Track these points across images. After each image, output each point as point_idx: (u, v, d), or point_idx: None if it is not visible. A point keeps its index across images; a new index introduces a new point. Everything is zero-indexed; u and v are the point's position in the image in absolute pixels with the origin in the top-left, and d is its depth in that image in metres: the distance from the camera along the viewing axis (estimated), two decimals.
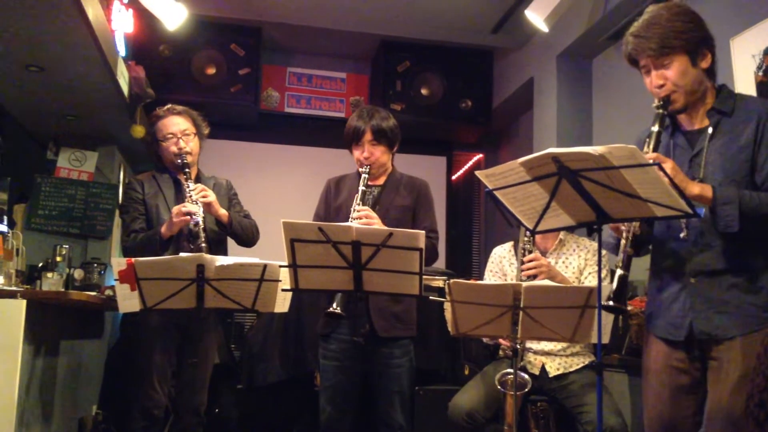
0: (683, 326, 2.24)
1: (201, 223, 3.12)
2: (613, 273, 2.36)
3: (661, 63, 2.22)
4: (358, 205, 2.94)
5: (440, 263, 5.84)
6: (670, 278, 2.30)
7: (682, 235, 2.25)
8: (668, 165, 2.08)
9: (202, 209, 3.15)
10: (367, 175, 3.03)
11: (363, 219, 2.88)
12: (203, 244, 3.06)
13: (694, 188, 2.11)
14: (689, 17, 2.24)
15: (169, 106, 3.41)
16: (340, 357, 2.99)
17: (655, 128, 2.20)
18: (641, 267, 3.12)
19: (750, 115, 2.21)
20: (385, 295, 2.87)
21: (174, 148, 3.29)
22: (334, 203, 3.16)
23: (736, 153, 2.19)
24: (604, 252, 2.26)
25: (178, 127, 3.33)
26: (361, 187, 2.99)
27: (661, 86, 2.23)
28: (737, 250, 2.18)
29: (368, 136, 3.06)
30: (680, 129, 2.34)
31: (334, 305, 2.67)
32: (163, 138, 3.33)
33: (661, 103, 2.22)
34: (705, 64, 2.25)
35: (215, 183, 3.45)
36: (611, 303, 2.14)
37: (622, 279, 2.15)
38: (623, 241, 2.19)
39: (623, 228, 2.21)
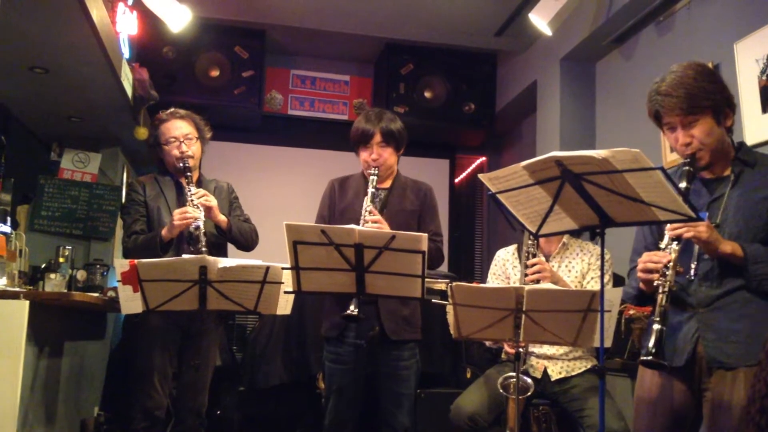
0: (684, 351, 2.24)
1: (202, 227, 3.12)
2: (616, 278, 2.36)
3: (687, 122, 2.25)
4: (369, 207, 2.95)
5: (443, 266, 5.81)
6: (676, 309, 2.29)
7: (687, 276, 2.25)
8: (704, 224, 2.14)
9: (203, 213, 3.16)
10: (375, 177, 3.03)
11: (377, 223, 2.89)
12: (204, 248, 3.06)
13: (726, 246, 2.15)
14: (715, 78, 2.30)
15: (172, 110, 3.43)
16: (347, 360, 2.99)
17: (683, 185, 2.21)
18: None
19: None
20: (389, 298, 2.87)
21: (176, 152, 3.30)
22: (339, 205, 3.16)
23: (757, 202, 2.23)
24: (607, 256, 2.26)
25: (181, 131, 3.34)
26: (371, 189, 3.00)
27: (688, 144, 2.26)
28: (746, 285, 2.20)
29: (377, 138, 3.07)
30: (698, 177, 2.35)
31: (351, 308, 2.66)
32: (165, 141, 3.34)
33: (689, 160, 2.25)
34: (728, 123, 2.30)
35: (216, 186, 3.46)
36: (650, 358, 2.11)
37: (660, 333, 2.13)
38: (660, 296, 2.17)
39: (657, 281, 2.19)
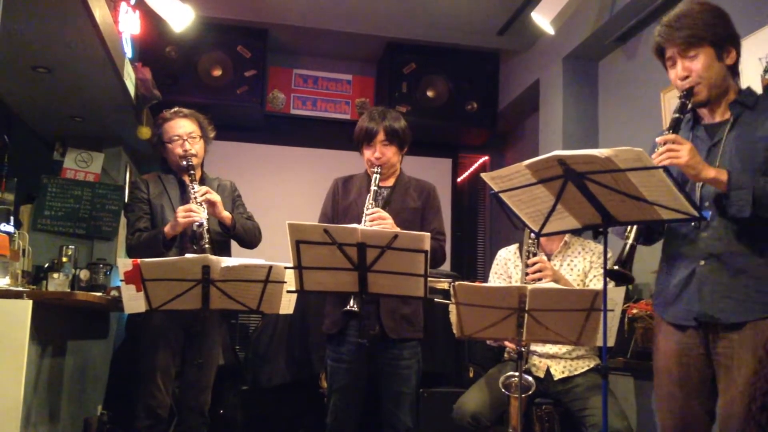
0: (693, 311, 2.23)
1: (205, 224, 3.13)
2: (616, 263, 2.35)
3: (687, 54, 2.26)
4: (371, 205, 2.95)
5: (445, 265, 5.82)
6: (680, 263, 2.30)
7: (692, 224, 2.25)
8: (686, 146, 2.11)
9: (206, 211, 3.17)
10: (378, 176, 3.04)
11: (377, 220, 2.89)
12: (207, 245, 3.07)
13: (710, 172, 2.13)
14: (719, 13, 2.29)
15: (175, 109, 3.44)
16: (348, 358, 2.99)
17: (676, 114, 2.22)
18: (646, 269, 3.12)
19: None
20: (391, 297, 2.87)
21: (179, 150, 3.32)
22: (342, 203, 3.17)
23: (754, 142, 2.20)
24: (609, 254, 2.26)
25: (184, 130, 3.35)
26: (374, 187, 3.00)
27: (686, 78, 2.26)
28: (747, 236, 2.18)
29: (381, 136, 3.07)
30: (701, 122, 2.36)
31: (351, 303, 2.66)
32: (169, 140, 3.35)
33: (685, 93, 2.26)
34: (730, 60, 2.28)
35: (219, 184, 3.47)
36: (616, 267, 2.15)
37: (631, 248, 2.17)
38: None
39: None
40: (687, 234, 2.29)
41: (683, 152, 2.11)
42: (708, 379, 2.25)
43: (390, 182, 3.18)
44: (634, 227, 2.22)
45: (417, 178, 3.26)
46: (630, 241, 2.19)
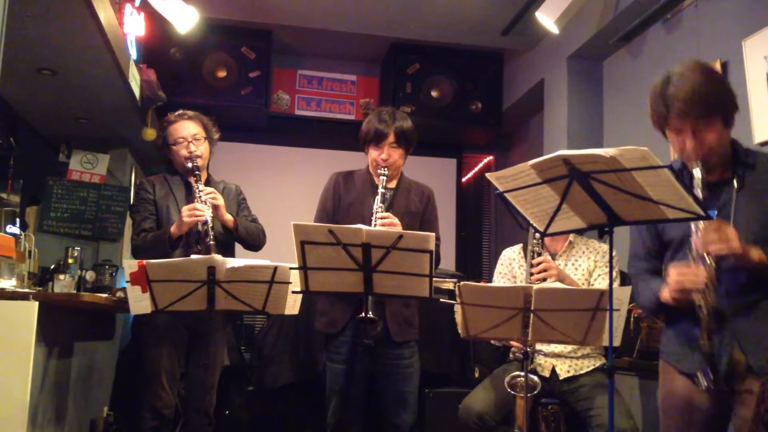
0: (722, 361, 2.17)
1: (210, 222, 3.14)
2: (623, 276, 2.34)
3: (698, 127, 2.19)
4: (380, 208, 2.95)
5: (450, 265, 5.83)
6: (697, 319, 2.21)
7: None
8: (733, 232, 2.09)
9: (210, 210, 3.17)
10: (385, 177, 3.04)
11: (387, 225, 2.89)
12: (212, 242, 3.08)
13: (755, 255, 2.10)
14: (723, 81, 2.26)
15: (180, 111, 3.46)
16: (348, 359, 2.99)
17: (699, 193, 2.15)
18: None
19: None
20: (396, 298, 2.88)
21: (184, 152, 3.33)
22: (345, 199, 3.16)
23: (765, 208, 2.20)
24: (614, 253, 2.25)
25: (189, 132, 3.36)
26: (381, 189, 3.00)
27: (697, 150, 2.20)
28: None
29: (391, 138, 3.07)
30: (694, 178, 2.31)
31: (365, 311, 2.65)
32: (174, 142, 3.36)
33: (701, 165, 2.19)
34: (732, 124, 2.27)
35: (225, 187, 3.48)
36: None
37: (711, 358, 2.12)
38: (704, 317, 2.12)
39: (699, 302, 2.13)
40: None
41: (735, 241, 2.08)
42: (722, 417, 2.24)
43: (392, 184, 3.18)
44: (706, 331, 2.13)
45: (417, 181, 3.27)
46: (708, 350, 2.12)
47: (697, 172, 2.20)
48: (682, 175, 2.22)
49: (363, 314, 2.56)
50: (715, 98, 2.18)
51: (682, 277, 2.15)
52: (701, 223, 2.13)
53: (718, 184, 2.28)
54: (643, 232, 2.45)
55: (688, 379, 2.26)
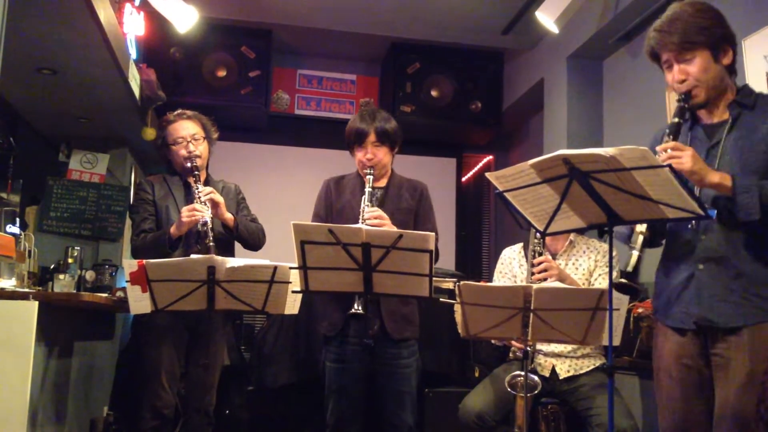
0: (692, 314, 2.23)
1: (209, 222, 3.13)
2: (623, 274, 2.35)
3: (683, 58, 2.23)
4: (367, 206, 2.95)
5: (450, 265, 5.83)
6: (680, 266, 2.29)
7: (690, 225, 2.25)
8: (688, 152, 2.10)
9: (210, 210, 3.17)
10: (372, 177, 3.04)
11: (375, 220, 2.89)
12: (211, 243, 3.08)
13: (714, 176, 2.12)
14: (712, 14, 2.26)
15: (179, 111, 3.45)
16: (347, 359, 2.99)
17: (676, 119, 2.21)
18: (650, 269, 3.11)
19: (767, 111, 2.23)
20: (396, 297, 2.87)
21: (184, 152, 3.32)
22: (336, 204, 3.17)
23: (754, 144, 2.19)
24: (614, 253, 2.25)
25: (188, 131, 3.36)
26: (368, 188, 3.00)
27: (683, 81, 2.25)
28: (746, 240, 2.17)
29: (372, 137, 3.07)
30: (699, 123, 2.34)
31: (356, 306, 2.67)
32: (173, 142, 3.36)
33: (683, 96, 2.24)
34: (726, 60, 2.26)
35: (224, 187, 3.48)
36: (623, 280, 2.19)
37: (638, 259, 2.20)
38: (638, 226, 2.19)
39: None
40: (687, 237, 2.28)
41: (686, 158, 2.11)
42: (708, 381, 2.25)
43: (382, 183, 3.18)
44: (640, 237, 2.21)
45: (408, 178, 3.26)
46: (636, 251, 2.18)
47: (678, 102, 2.24)
48: (683, 115, 2.25)
49: (352, 310, 2.57)
50: (697, 28, 2.20)
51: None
52: (658, 147, 2.18)
53: (718, 125, 2.30)
54: None
55: (675, 333, 2.29)
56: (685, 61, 2.23)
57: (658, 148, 2.18)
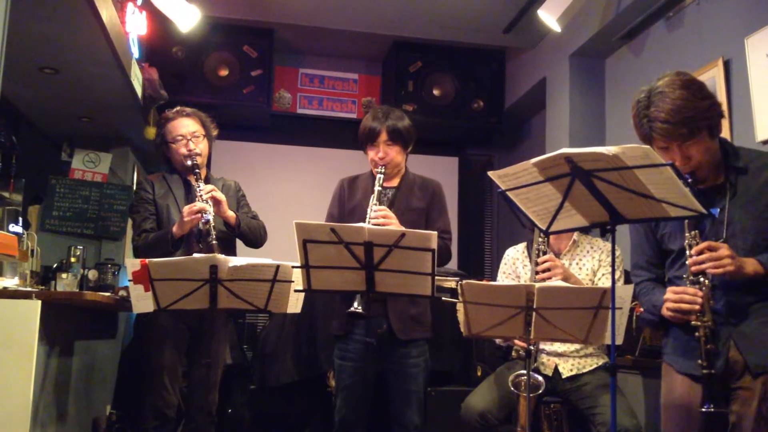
0: (720, 359, 2.18)
1: (211, 221, 3.13)
2: (627, 273, 2.35)
3: (685, 145, 2.18)
4: (375, 205, 2.95)
5: (452, 264, 5.81)
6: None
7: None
8: (726, 251, 2.10)
9: (212, 208, 3.17)
10: (382, 176, 3.03)
11: (381, 219, 2.88)
12: (214, 242, 3.07)
13: (749, 268, 2.12)
14: (704, 93, 2.20)
15: (178, 108, 3.43)
16: (356, 357, 2.99)
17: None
18: None
19: (760, 170, 2.24)
20: (398, 296, 2.87)
21: (183, 150, 3.31)
22: (348, 204, 3.17)
23: (761, 211, 2.20)
24: (617, 252, 2.25)
25: (188, 129, 3.34)
26: (377, 188, 3.00)
27: (686, 164, 2.20)
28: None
29: (384, 136, 3.06)
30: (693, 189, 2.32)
31: (355, 305, 2.67)
32: (172, 140, 3.34)
33: (690, 180, 2.16)
34: (720, 133, 2.25)
35: (224, 184, 3.47)
36: (712, 409, 2.11)
37: (709, 377, 2.13)
38: (702, 338, 2.14)
39: (695, 322, 2.16)
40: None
41: (727, 260, 2.09)
42: (723, 419, 2.23)
43: (395, 182, 3.17)
44: (706, 352, 2.14)
45: (422, 176, 3.25)
46: (707, 371, 2.13)
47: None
48: None
49: (351, 309, 2.57)
50: (698, 115, 2.15)
51: (678, 297, 2.19)
52: (695, 244, 2.16)
53: (711, 189, 2.28)
54: (644, 243, 2.46)
55: (687, 378, 2.28)
56: (687, 148, 2.18)
57: (693, 251, 2.16)
